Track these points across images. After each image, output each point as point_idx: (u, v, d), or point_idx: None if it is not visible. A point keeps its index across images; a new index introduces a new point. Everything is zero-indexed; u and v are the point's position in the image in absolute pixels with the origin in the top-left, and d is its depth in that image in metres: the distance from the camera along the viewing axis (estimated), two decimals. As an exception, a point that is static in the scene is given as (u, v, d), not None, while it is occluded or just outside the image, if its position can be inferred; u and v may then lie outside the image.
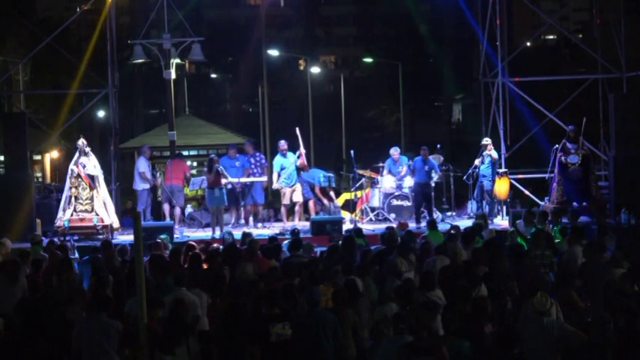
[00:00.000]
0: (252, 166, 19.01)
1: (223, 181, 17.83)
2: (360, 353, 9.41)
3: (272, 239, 13.83)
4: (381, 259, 12.17)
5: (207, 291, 10.32)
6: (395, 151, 19.37)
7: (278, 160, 18.56)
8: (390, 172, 19.17)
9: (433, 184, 18.40)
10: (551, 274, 11.68)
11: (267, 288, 10.20)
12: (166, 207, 18.83)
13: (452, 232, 13.92)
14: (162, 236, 14.87)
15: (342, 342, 9.17)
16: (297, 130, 18.73)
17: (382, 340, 8.64)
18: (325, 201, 19.68)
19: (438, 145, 19.08)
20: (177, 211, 18.78)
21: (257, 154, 19.57)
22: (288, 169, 18.43)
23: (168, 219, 18.56)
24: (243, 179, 18.69)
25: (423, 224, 17.75)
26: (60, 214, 17.28)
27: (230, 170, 18.74)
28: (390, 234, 13.39)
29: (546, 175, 18.65)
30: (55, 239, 15.60)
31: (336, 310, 9.40)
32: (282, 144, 18.64)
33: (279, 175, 18.48)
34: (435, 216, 18.06)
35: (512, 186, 19.12)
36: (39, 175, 31.02)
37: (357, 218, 18.64)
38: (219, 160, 18.29)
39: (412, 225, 17.50)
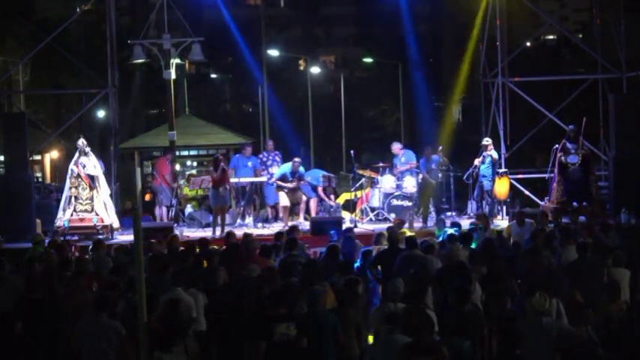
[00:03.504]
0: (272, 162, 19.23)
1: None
2: (362, 354, 9.40)
3: (278, 236, 13.73)
4: (382, 258, 12.18)
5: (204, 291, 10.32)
6: (394, 146, 19.39)
7: (282, 170, 18.53)
8: (395, 166, 19.16)
9: (437, 181, 18.47)
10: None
11: (271, 288, 10.17)
12: (159, 209, 19.20)
13: (451, 232, 13.93)
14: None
15: (342, 343, 9.14)
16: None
17: (377, 340, 8.65)
18: (327, 200, 19.71)
19: (440, 147, 19.08)
20: (163, 210, 19.08)
21: (277, 152, 19.69)
22: (285, 179, 18.46)
23: (165, 220, 18.72)
24: (244, 179, 18.78)
25: (429, 224, 17.87)
26: (60, 214, 17.29)
27: (242, 170, 18.85)
28: (391, 233, 13.38)
29: (546, 175, 18.66)
30: (56, 239, 15.59)
31: (338, 310, 9.39)
32: (298, 161, 18.54)
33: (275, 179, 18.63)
34: (433, 216, 18.18)
35: (512, 186, 19.12)
36: (39, 175, 31.02)
37: (357, 218, 18.64)
38: (233, 158, 19.01)
39: (417, 225, 17.59)
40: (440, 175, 18.91)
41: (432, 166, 18.06)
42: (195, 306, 9.88)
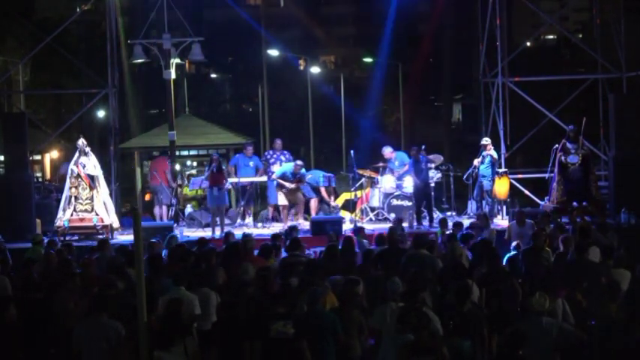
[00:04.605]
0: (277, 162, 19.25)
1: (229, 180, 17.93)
2: (363, 353, 9.39)
3: (275, 237, 13.72)
4: (383, 258, 12.16)
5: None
6: (386, 150, 19.43)
7: (283, 169, 18.52)
8: (391, 171, 19.22)
9: (432, 184, 18.49)
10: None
11: (265, 288, 10.14)
12: (159, 208, 19.26)
13: (451, 231, 13.94)
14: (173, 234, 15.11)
15: (343, 343, 9.12)
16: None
17: (384, 338, 8.64)
18: (329, 201, 19.72)
19: (423, 146, 18.98)
20: (163, 209, 19.13)
21: (284, 152, 19.66)
22: (286, 178, 18.44)
23: (165, 219, 18.72)
24: (244, 179, 18.80)
25: (423, 224, 17.91)
26: (60, 214, 17.29)
27: (243, 169, 18.84)
28: (391, 233, 13.38)
29: (546, 175, 18.65)
30: (55, 239, 15.61)
31: (341, 310, 9.37)
32: (300, 164, 18.56)
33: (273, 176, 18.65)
34: (434, 215, 18.18)
35: (511, 186, 19.12)
36: (39, 175, 31.02)
37: (357, 218, 18.64)
38: (234, 157, 19.12)
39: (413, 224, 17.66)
40: (439, 175, 18.98)
41: (422, 166, 18.05)
42: (207, 305, 9.91)
